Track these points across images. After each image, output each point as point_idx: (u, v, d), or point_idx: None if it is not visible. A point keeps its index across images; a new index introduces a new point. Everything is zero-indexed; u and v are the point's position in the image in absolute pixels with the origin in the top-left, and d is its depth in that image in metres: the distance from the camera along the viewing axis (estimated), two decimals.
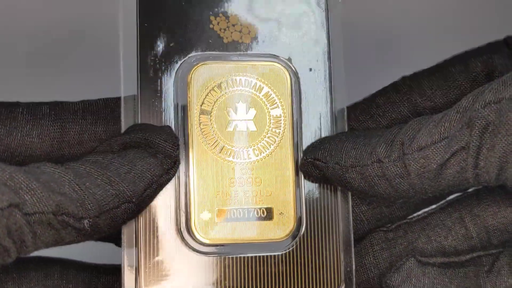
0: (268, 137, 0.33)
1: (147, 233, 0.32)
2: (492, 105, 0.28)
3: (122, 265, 0.32)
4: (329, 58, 0.34)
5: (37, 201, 0.26)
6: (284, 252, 0.33)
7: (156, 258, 0.32)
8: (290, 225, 0.33)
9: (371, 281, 0.35)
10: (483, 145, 0.28)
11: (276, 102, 0.33)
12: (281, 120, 0.33)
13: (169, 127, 0.32)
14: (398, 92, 0.35)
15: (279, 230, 0.33)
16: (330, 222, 0.33)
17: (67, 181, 0.28)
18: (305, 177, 0.33)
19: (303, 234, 0.33)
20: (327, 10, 0.34)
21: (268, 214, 0.33)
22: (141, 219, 0.32)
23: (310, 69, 0.34)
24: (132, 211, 0.30)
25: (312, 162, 0.33)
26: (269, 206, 0.33)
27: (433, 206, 0.36)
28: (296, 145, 0.33)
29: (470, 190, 0.35)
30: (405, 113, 0.35)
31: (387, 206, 0.35)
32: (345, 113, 0.34)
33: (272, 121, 0.33)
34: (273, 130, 0.33)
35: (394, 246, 0.35)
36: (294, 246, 0.33)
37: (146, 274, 0.32)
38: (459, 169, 0.29)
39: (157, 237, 0.32)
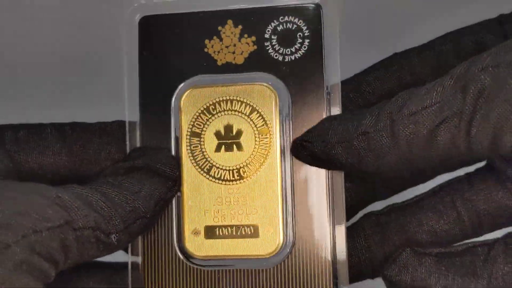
0: (256, 157, 0.34)
1: (149, 245, 0.34)
2: (490, 69, 0.27)
3: (128, 272, 0.34)
4: (325, 75, 0.33)
5: (82, 218, 0.28)
6: (272, 268, 0.33)
7: (156, 270, 0.34)
8: (278, 241, 0.33)
9: (362, 263, 0.34)
10: (477, 111, 0.27)
11: (264, 122, 0.34)
12: (268, 140, 0.33)
13: (168, 150, 0.34)
14: (388, 69, 0.35)
15: (266, 246, 0.33)
16: (320, 236, 0.33)
17: (94, 200, 0.29)
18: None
19: (292, 249, 0.33)
20: (322, 24, 0.33)
21: (255, 232, 0.33)
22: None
23: (304, 87, 0.33)
24: (145, 225, 0.32)
25: (300, 144, 0.32)
26: (255, 223, 0.33)
27: (425, 191, 0.35)
28: (284, 165, 0.34)
29: (462, 174, 0.35)
30: (394, 90, 0.34)
31: (372, 182, 0.35)
32: None
33: (259, 141, 0.34)
34: (261, 150, 0.34)
35: (386, 229, 0.35)
36: (283, 262, 0.33)
37: (148, 283, 0.34)
38: (451, 136, 0.28)
39: (156, 250, 0.34)
